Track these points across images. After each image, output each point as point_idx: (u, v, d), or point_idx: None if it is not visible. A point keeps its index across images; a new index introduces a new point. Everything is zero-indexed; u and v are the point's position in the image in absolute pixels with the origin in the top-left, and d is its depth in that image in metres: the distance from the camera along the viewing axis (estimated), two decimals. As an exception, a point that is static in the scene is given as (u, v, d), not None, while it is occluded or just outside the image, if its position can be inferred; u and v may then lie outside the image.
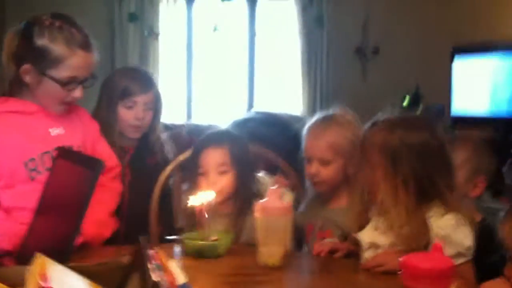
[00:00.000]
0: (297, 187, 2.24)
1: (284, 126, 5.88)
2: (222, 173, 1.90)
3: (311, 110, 5.80)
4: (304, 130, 2.00)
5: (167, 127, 5.79)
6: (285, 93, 5.92)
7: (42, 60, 1.67)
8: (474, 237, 1.59)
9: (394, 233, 1.59)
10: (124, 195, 2.11)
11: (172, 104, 6.05)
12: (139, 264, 1.00)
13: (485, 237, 1.74)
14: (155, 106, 2.20)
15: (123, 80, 2.16)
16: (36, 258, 0.95)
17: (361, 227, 1.71)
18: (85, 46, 1.72)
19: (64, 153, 1.65)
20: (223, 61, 5.95)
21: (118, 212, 2.06)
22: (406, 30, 5.43)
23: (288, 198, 2.05)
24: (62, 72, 1.69)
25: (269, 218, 1.57)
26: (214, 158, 1.90)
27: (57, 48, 1.67)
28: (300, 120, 5.95)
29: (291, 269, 1.60)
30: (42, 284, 0.81)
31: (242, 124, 5.81)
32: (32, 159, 1.70)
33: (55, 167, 1.64)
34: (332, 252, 1.74)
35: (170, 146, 2.32)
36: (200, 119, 6.07)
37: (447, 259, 1.05)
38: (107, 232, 1.84)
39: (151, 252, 1.05)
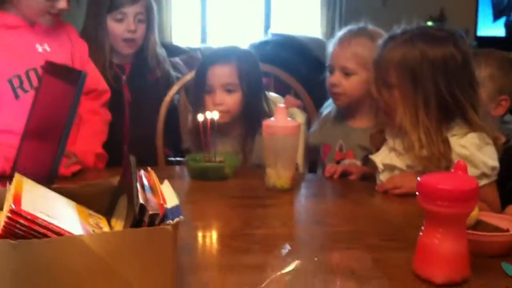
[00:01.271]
0: (310, 108, 2.14)
1: (303, 49, 5.73)
2: (230, 91, 1.78)
3: (329, 33, 5.63)
4: (334, 39, 1.88)
5: (182, 50, 5.72)
6: (302, 15, 5.73)
7: None
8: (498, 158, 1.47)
9: (412, 155, 1.47)
10: (124, 116, 2.03)
11: (186, 27, 5.91)
12: (127, 186, 0.90)
13: (508, 159, 1.64)
14: (148, 17, 2.05)
15: None
16: (15, 178, 0.86)
17: (376, 149, 1.61)
18: None
19: (51, 68, 1.53)
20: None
21: (119, 135, 1.99)
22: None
23: (299, 117, 1.96)
24: None
25: (276, 138, 1.46)
26: (221, 75, 1.78)
27: None
28: (319, 43, 5.83)
29: (301, 192, 1.51)
30: (13, 207, 0.72)
31: (259, 46, 5.69)
32: (17, 76, 1.60)
33: (42, 85, 1.53)
34: (345, 174, 1.64)
35: (168, 61, 2.19)
36: (215, 42, 5.92)
37: (470, 179, 0.93)
38: (102, 164, 1.77)
39: (141, 172, 0.96)
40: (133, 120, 2.06)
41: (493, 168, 1.45)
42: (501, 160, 1.50)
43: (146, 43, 2.06)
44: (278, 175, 1.48)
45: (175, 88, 2.04)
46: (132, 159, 0.93)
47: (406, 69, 1.45)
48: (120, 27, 1.99)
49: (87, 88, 1.79)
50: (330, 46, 1.86)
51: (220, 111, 1.70)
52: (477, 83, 1.49)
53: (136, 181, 0.88)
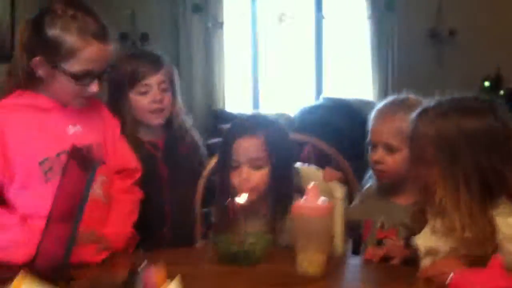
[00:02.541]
0: (351, 180, 2.04)
1: (354, 112, 5.66)
2: (257, 167, 1.69)
3: (383, 96, 5.54)
4: (372, 113, 1.80)
5: (235, 117, 5.73)
6: (355, 79, 5.69)
7: (54, 52, 1.53)
8: None
9: (455, 237, 1.36)
10: (164, 193, 1.97)
11: (238, 93, 5.96)
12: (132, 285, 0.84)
13: None
14: (171, 85, 1.99)
15: (129, 64, 1.93)
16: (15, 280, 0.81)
17: (418, 230, 1.50)
18: (101, 36, 1.57)
19: (75, 153, 1.51)
20: (290, 48, 5.77)
21: (159, 216, 1.94)
22: (485, 10, 5.09)
23: (338, 192, 1.87)
24: (76, 66, 1.55)
25: (306, 220, 1.38)
26: (248, 150, 1.68)
27: (70, 39, 1.52)
28: (371, 106, 5.74)
29: (335, 280, 1.40)
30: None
31: (310, 111, 5.66)
32: (48, 159, 1.58)
33: (67, 169, 1.50)
34: (387, 258, 1.53)
35: (194, 128, 2.11)
36: (268, 108, 5.92)
37: (507, 279, 0.83)
38: (132, 247, 1.71)
39: (147, 270, 0.90)
40: (174, 197, 1.98)
41: None
42: None
43: (174, 111, 1.99)
44: (309, 261, 1.38)
45: (210, 164, 1.98)
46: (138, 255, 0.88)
47: (442, 145, 1.35)
48: (145, 100, 1.92)
49: (118, 167, 1.77)
50: (371, 120, 1.78)
51: (247, 188, 1.62)
52: None
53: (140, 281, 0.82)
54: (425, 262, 1.44)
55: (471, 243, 1.33)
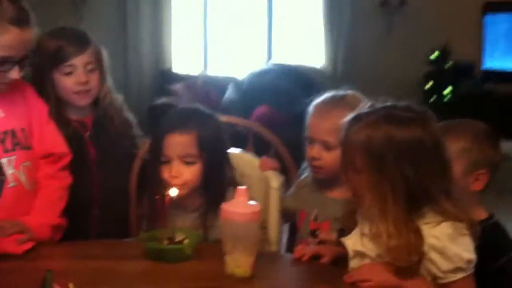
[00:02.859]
0: (290, 167, 2.03)
1: (304, 79, 5.65)
2: (188, 163, 1.64)
3: (333, 64, 5.55)
4: (310, 108, 1.77)
5: (182, 78, 5.65)
6: (305, 46, 5.65)
7: None
8: (476, 247, 1.36)
9: (381, 244, 1.37)
10: (92, 174, 1.91)
11: (187, 54, 5.86)
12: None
13: (492, 237, 1.53)
14: (99, 65, 1.90)
15: (52, 44, 1.83)
16: None
17: (348, 231, 1.50)
18: (20, 21, 1.49)
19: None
20: (242, 11, 5.68)
21: (87, 198, 1.89)
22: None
23: (274, 182, 1.86)
24: None
25: (234, 224, 1.36)
26: (178, 146, 1.64)
27: None
28: (320, 74, 5.74)
29: (261, 280, 1.38)
30: None
31: (259, 75, 5.62)
32: None
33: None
34: (316, 257, 1.53)
35: (126, 107, 2.05)
36: (217, 70, 5.85)
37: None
38: (58, 236, 1.66)
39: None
40: (102, 177, 1.93)
41: (468, 261, 1.34)
42: (484, 238, 1.40)
43: (102, 92, 1.91)
44: (237, 263, 1.37)
45: (142, 153, 1.92)
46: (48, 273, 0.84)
47: (371, 154, 1.34)
48: (70, 80, 1.84)
49: (45, 152, 1.70)
50: (309, 115, 1.76)
51: (177, 184, 1.59)
52: (450, 167, 1.39)
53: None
54: (353, 264, 1.44)
55: (396, 251, 1.33)
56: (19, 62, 1.54)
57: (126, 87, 5.74)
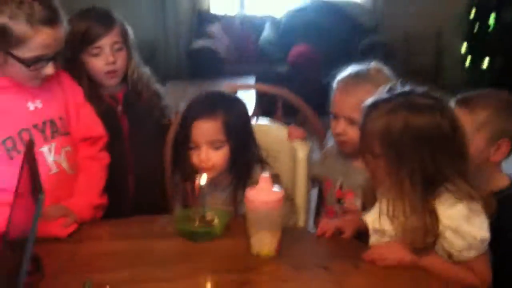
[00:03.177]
0: (320, 132, 2.10)
1: (342, 14, 5.57)
2: (216, 148, 1.72)
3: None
4: (335, 83, 1.82)
5: (219, 18, 5.65)
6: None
7: (4, 40, 1.53)
8: (495, 218, 1.42)
9: (398, 225, 1.44)
10: (126, 147, 2.02)
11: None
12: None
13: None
14: (125, 42, 1.98)
15: (79, 26, 1.89)
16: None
17: (369, 207, 1.58)
18: (50, 21, 1.56)
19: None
20: None
21: (122, 169, 2.00)
22: None
23: (301, 152, 1.92)
24: (27, 53, 1.56)
25: (258, 211, 1.44)
26: (206, 132, 1.71)
27: (18, 27, 1.52)
28: (360, 9, 5.64)
29: (285, 259, 1.47)
30: None
31: (296, 13, 5.57)
32: (10, 138, 1.62)
33: (26, 151, 1.54)
34: (339, 231, 1.61)
35: (154, 79, 2.12)
36: (254, 9, 5.82)
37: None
38: (100, 214, 1.78)
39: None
40: (135, 149, 2.04)
41: (482, 241, 1.40)
42: (503, 206, 1.45)
43: (130, 69, 2.00)
44: (261, 245, 1.47)
45: (174, 126, 2.00)
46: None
47: (389, 140, 1.40)
48: (98, 62, 1.93)
49: (83, 136, 1.81)
50: (333, 90, 1.81)
51: (206, 168, 1.68)
52: (467, 150, 1.43)
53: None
54: (374, 240, 1.52)
55: (412, 232, 1.40)
56: (53, 58, 1.62)
57: (164, 30, 5.78)
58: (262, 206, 1.44)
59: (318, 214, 2.00)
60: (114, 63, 1.94)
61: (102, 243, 1.61)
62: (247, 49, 5.63)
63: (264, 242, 1.47)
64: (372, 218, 1.53)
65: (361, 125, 1.46)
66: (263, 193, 1.45)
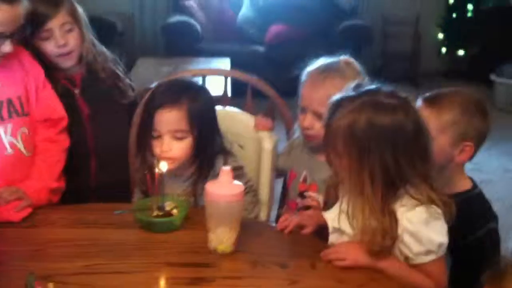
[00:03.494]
0: (289, 123, 2.07)
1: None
2: (179, 138, 1.67)
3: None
4: (303, 75, 1.79)
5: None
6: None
7: None
8: (454, 220, 1.41)
9: (357, 226, 1.43)
10: (87, 129, 1.96)
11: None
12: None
13: (472, 208, 1.59)
14: (76, 22, 1.89)
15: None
16: None
17: (330, 205, 1.56)
18: None
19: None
20: None
21: (84, 153, 1.95)
22: None
23: (268, 143, 1.90)
24: None
25: (218, 205, 1.41)
26: (169, 121, 1.65)
27: None
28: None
29: (242, 257, 1.45)
30: None
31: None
32: None
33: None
34: (299, 228, 1.59)
35: (110, 56, 2.05)
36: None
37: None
38: (56, 198, 1.74)
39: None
40: (96, 132, 1.98)
41: (440, 245, 1.39)
42: (464, 209, 1.44)
43: (85, 49, 1.92)
44: (219, 240, 1.45)
45: (139, 111, 1.95)
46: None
47: (352, 139, 1.37)
48: (49, 45, 1.84)
49: (42, 117, 1.76)
50: (302, 83, 1.78)
51: (167, 159, 1.64)
52: (430, 152, 1.41)
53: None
54: (333, 239, 1.51)
55: (370, 234, 1.39)
56: (10, 36, 1.56)
57: (141, 6, 5.69)
58: (221, 200, 1.41)
59: (281, 206, 1.98)
60: (65, 45, 1.85)
61: (56, 230, 1.57)
62: (224, 27, 5.56)
63: (222, 238, 1.44)
64: (332, 216, 1.52)
65: (326, 123, 1.44)
66: (223, 187, 1.42)
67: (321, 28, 5.46)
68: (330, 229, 1.51)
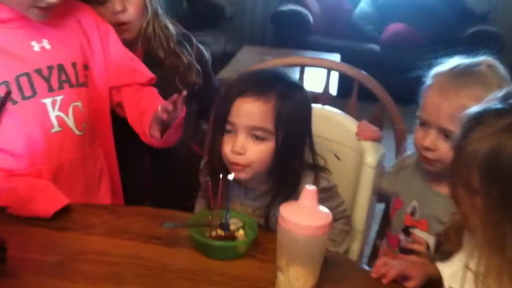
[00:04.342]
0: (400, 134, 1.66)
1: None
2: (258, 139, 1.29)
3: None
4: (429, 78, 1.36)
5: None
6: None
7: None
8: None
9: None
10: None
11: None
12: None
13: None
14: None
15: None
16: None
17: (448, 254, 1.14)
18: None
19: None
20: None
21: (137, 145, 1.61)
22: None
23: (371, 156, 1.49)
24: None
25: (292, 237, 1.03)
26: (249, 113, 1.28)
27: None
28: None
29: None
30: None
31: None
32: (5, 83, 1.29)
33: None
34: (400, 279, 1.18)
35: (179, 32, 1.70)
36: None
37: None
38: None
39: None
40: None
41: None
42: None
43: (145, 18, 1.59)
44: (290, 284, 1.06)
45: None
46: None
47: (495, 173, 0.94)
48: (106, 11, 1.52)
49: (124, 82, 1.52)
50: (427, 89, 1.35)
51: (238, 164, 1.28)
52: None
53: None
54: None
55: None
56: None
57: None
58: (300, 232, 1.02)
59: (380, 237, 1.58)
60: (123, 11, 1.54)
61: (91, 238, 1.23)
62: (338, 21, 5.14)
63: (294, 282, 1.06)
64: (451, 270, 1.10)
65: (457, 144, 1.02)
66: (304, 214, 1.04)
67: (445, 32, 4.94)
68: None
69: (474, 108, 1.02)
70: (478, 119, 0.98)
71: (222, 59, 4.26)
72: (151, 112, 1.38)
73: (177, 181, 1.64)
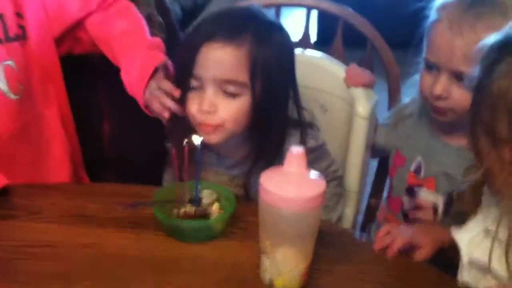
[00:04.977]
0: (394, 81, 1.46)
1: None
2: (230, 94, 1.06)
3: None
4: (435, 10, 1.13)
5: None
6: None
7: None
8: None
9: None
10: (97, 87, 1.41)
11: None
12: None
13: None
14: None
15: None
16: None
17: (468, 210, 0.95)
18: None
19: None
20: None
21: (94, 113, 1.42)
22: None
23: (363, 105, 1.29)
24: None
25: (280, 215, 0.83)
26: (218, 63, 1.04)
27: None
28: None
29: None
30: None
31: None
32: None
33: None
34: (407, 250, 1.00)
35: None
36: None
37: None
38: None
39: None
40: (109, 88, 1.41)
41: None
42: None
43: None
44: (278, 270, 0.87)
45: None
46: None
47: None
48: None
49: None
50: (432, 25, 1.12)
51: (208, 125, 1.07)
52: None
53: None
54: (467, 276, 0.91)
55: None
56: None
57: None
58: (286, 207, 0.82)
59: (375, 196, 1.40)
60: None
61: (39, 225, 1.03)
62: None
63: (283, 266, 0.87)
64: (469, 236, 0.92)
65: (478, 84, 0.82)
66: (291, 183, 0.83)
67: (395, 27, 4.62)
68: (464, 260, 0.91)
69: (495, 36, 0.82)
70: (504, 49, 0.78)
71: (192, 13, 3.98)
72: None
73: (144, 146, 1.42)
